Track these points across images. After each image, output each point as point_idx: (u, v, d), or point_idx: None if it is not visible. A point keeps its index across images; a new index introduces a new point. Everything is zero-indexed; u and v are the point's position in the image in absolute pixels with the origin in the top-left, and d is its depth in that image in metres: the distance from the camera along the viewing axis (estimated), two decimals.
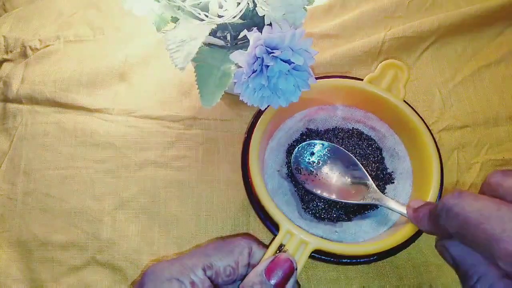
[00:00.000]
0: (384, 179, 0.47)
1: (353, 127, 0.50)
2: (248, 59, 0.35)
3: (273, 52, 0.34)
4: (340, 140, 0.48)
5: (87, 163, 0.52)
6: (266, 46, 0.35)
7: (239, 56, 0.35)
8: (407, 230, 0.39)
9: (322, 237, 0.41)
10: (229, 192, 0.50)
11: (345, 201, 0.43)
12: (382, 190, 0.46)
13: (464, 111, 0.55)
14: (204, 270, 0.33)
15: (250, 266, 0.35)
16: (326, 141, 0.47)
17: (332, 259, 0.39)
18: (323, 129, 0.49)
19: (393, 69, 0.47)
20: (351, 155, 0.45)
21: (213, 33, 0.41)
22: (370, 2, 0.60)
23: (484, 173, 0.51)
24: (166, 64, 0.56)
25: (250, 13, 0.38)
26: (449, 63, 0.58)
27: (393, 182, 0.47)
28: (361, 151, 0.48)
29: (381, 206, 0.43)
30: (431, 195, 0.42)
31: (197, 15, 0.36)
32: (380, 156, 0.48)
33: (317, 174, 0.45)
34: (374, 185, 0.43)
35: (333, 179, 0.45)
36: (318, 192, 0.44)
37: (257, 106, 0.38)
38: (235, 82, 0.36)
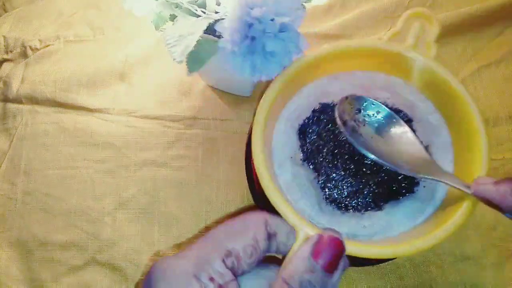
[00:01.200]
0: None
1: (376, 97, 0.40)
2: (231, 24, 0.33)
3: (252, 10, 0.32)
4: (376, 117, 0.39)
5: (87, 163, 0.52)
6: (249, 8, 0.33)
7: (222, 26, 0.34)
8: (454, 222, 0.32)
9: (347, 236, 0.35)
10: (229, 192, 0.50)
11: (393, 166, 0.34)
12: None
13: None
14: (223, 260, 0.28)
15: (271, 237, 0.30)
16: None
17: (360, 263, 0.34)
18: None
19: (419, 20, 0.39)
20: (404, 123, 0.37)
21: (212, 32, 0.41)
22: (370, 2, 0.60)
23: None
24: (166, 64, 0.56)
25: None
26: (449, 63, 0.58)
27: None
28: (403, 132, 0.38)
29: (437, 181, 0.34)
30: (482, 174, 0.34)
31: (194, 11, 0.36)
32: (411, 128, 0.38)
33: (361, 134, 0.36)
34: (429, 156, 0.35)
35: (379, 143, 0.36)
36: (366, 151, 0.35)
37: (251, 78, 0.36)
38: (225, 57, 0.35)
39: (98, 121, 0.54)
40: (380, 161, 0.34)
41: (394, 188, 0.37)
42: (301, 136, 0.40)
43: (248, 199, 0.49)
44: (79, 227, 0.49)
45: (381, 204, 0.37)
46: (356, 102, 0.38)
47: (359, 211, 0.37)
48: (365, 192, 0.38)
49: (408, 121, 0.39)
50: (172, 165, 0.51)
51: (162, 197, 0.50)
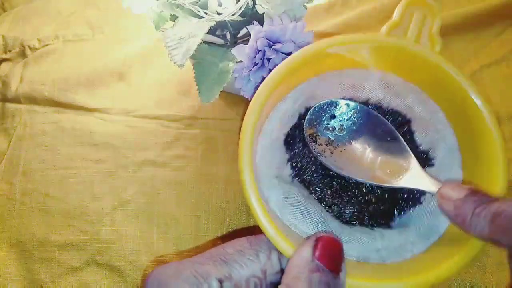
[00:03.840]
0: (418, 161, 0.34)
1: (367, 98, 0.36)
2: (249, 53, 0.34)
3: (274, 45, 0.34)
4: (353, 118, 0.36)
5: (86, 163, 0.51)
6: (267, 39, 0.34)
7: (240, 50, 0.35)
8: (473, 242, 0.28)
9: (358, 259, 0.31)
10: (228, 192, 0.50)
11: (374, 183, 0.32)
12: None
13: None
14: (220, 281, 0.26)
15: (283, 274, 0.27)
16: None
17: None
18: None
19: (420, 10, 0.34)
20: (386, 121, 0.34)
21: (212, 31, 0.41)
22: (371, 2, 0.60)
23: None
24: (166, 64, 0.56)
25: (249, 10, 0.38)
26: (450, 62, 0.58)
27: (433, 165, 0.34)
28: (382, 127, 0.35)
29: (427, 192, 0.31)
30: (499, 185, 0.30)
31: (197, 12, 0.36)
32: (408, 131, 0.36)
33: (338, 145, 0.34)
34: (416, 162, 0.32)
35: (360, 153, 0.34)
36: (338, 169, 0.33)
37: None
38: (236, 78, 0.36)
39: (97, 121, 0.53)
40: (356, 178, 0.32)
41: (398, 200, 0.34)
42: (288, 148, 0.35)
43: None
44: (78, 227, 0.49)
45: (389, 220, 0.34)
46: (328, 107, 0.35)
47: (366, 226, 0.33)
48: (370, 206, 0.34)
49: (407, 122, 0.36)
50: (171, 165, 0.51)
51: (161, 197, 0.50)
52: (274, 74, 0.32)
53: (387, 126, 0.33)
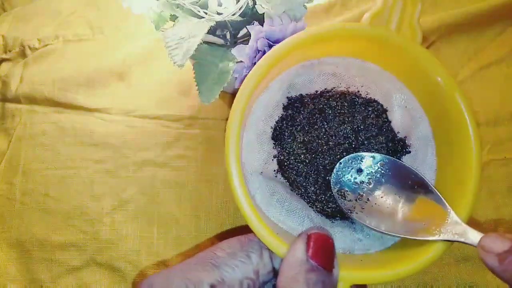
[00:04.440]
0: (396, 149, 0.36)
1: (347, 87, 0.37)
2: (249, 53, 0.34)
3: (274, 45, 0.34)
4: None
5: (86, 163, 0.51)
6: (267, 39, 0.34)
7: (240, 51, 0.35)
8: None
9: (343, 251, 0.32)
10: (228, 192, 0.50)
11: (412, 238, 0.30)
12: None
13: None
14: (212, 286, 0.26)
15: (276, 272, 0.28)
16: (317, 115, 0.35)
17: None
18: (308, 94, 0.37)
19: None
20: (416, 171, 0.33)
21: (212, 31, 0.41)
22: (370, 2, 0.60)
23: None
24: (166, 64, 0.56)
25: (249, 10, 0.38)
26: (449, 62, 0.58)
27: (409, 152, 0.36)
28: (358, 116, 0.36)
29: (467, 244, 0.29)
30: (473, 172, 0.31)
31: (197, 12, 0.36)
32: (386, 119, 0.36)
33: (368, 199, 0.33)
34: (453, 213, 0.30)
35: (391, 206, 0.32)
36: (373, 226, 0.31)
37: None
38: (236, 78, 0.36)
39: (97, 121, 0.53)
40: (396, 235, 0.31)
41: None
42: (275, 143, 0.36)
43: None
44: (78, 227, 0.49)
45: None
46: (354, 161, 0.34)
47: (347, 219, 0.34)
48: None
49: (384, 112, 0.36)
50: (171, 165, 0.51)
51: (161, 197, 0.50)
52: (256, 69, 0.32)
53: (417, 177, 0.32)
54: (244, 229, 0.29)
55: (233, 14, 0.36)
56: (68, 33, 0.59)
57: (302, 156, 0.35)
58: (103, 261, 0.47)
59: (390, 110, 0.36)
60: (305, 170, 0.35)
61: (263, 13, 0.37)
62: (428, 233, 0.30)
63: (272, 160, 0.35)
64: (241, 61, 0.37)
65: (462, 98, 0.32)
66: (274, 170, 0.35)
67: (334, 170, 0.34)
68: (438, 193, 0.31)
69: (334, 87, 0.37)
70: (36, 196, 0.50)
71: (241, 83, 0.31)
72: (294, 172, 0.35)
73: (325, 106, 0.36)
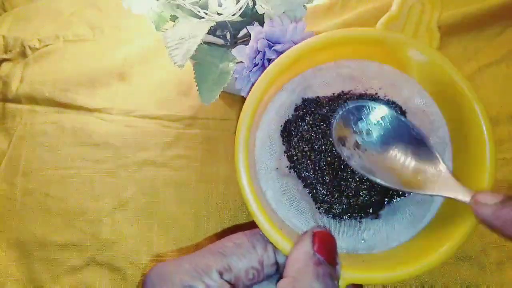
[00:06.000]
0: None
1: (365, 89, 0.36)
2: (249, 53, 0.34)
3: (274, 46, 0.34)
4: (381, 122, 0.35)
5: (86, 163, 0.51)
6: (267, 40, 0.34)
7: (240, 51, 0.35)
8: (461, 232, 0.30)
9: (347, 251, 0.33)
10: (228, 192, 0.50)
11: (404, 189, 0.32)
12: None
13: None
14: (220, 273, 0.27)
15: (279, 266, 0.29)
16: (331, 112, 0.35)
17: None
18: (324, 96, 0.36)
19: (419, 2, 0.34)
20: (416, 127, 0.33)
21: (212, 32, 0.41)
22: (371, 1, 0.60)
23: None
24: (166, 64, 0.56)
25: (249, 11, 0.38)
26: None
27: None
28: (410, 132, 0.34)
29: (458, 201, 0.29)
30: (487, 174, 0.31)
31: (197, 12, 0.36)
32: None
33: (366, 149, 0.33)
34: (447, 170, 0.31)
35: (388, 157, 0.33)
36: (368, 173, 0.32)
37: None
38: (236, 78, 0.36)
39: (98, 121, 0.54)
40: (390, 186, 0.32)
41: (388, 191, 0.34)
42: (285, 139, 0.36)
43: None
44: (78, 227, 0.49)
45: (378, 210, 0.34)
46: (356, 111, 0.34)
47: (355, 218, 0.34)
48: (358, 199, 0.34)
49: (402, 114, 0.36)
50: (171, 165, 0.51)
51: (161, 197, 0.50)
52: (267, 73, 0.32)
53: (417, 132, 0.33)
54: (244, 228, 0.30)
55: (233, 15, 0.37)
56: (68, 33, 0.59)
57: (309, 153, 0.35)
58: (103, 261, 0.47)
59: (409, 112, 0.36)
60: (312, 167, 0.35)
61: (263, 14, 0.37)
62: (422, 188, 0.31)
63: (284, 155, 0.35)
64: (241, 62, 0.37)
65: (479, 106, 0.32)
66: (287, 166, 0.35)
67: (336, 117, 0.34)
68: (435, 151, 0.32)
69: (351, 90, 0.37)
70: (37, 196, 0.50)
71: (241, 84, 0.31)
72: (303, 167, 0.35)
73: (340, 106, 0.35)
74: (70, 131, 0.53)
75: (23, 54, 0.58)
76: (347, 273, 0.29)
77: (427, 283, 0.46)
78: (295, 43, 0.33)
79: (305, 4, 0.37)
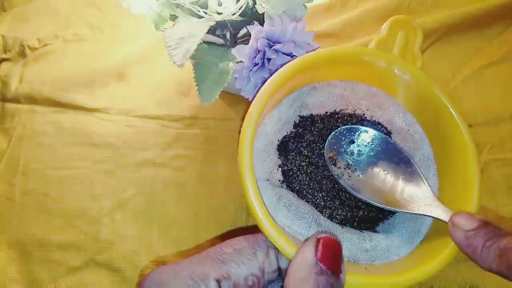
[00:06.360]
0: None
1: (354, 110, 0.38)
2: (249, 53, 0.34)
3: (274, 45, 0.34)
4: (371, 145, 0.37)
5: (86, 163, 0.51)
6: (267, 39, 0.34)
7: (240, 51, 0.35)
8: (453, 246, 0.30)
9: (348, 259, 0.32)
10: (228, 192, 0.50)
11: (389, 208, 0.33)
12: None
13: (466, 111, 0.55)
14: (218, 281, 0.26)
15: (281, 271, 0.29)
16: (325, 134, 0.36)
17: None
18: (318, 114, 0.38)
19: (404, 28, 0.37)
20: (403, 149, 0.35)
21: (212, 31, 0.41)
22: (371, 1, 0.60)
23: (487, 173, 0.51)
24: (165, 64, 0.56)
25: (249, 10, 0.38)
26: (450, 62, 0.58)
27: None
28: (398, 155, 0.36)
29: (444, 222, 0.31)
30: (474, 192, 0.32)
31: (196, 12, 0.36)
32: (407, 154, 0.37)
33: (355, 169, 0.35)
34: (429, 191, 0.33)
35: (376, 178, 0.35)
36: (356, 192, 0.34)
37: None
38: (236, 78, 0.36)
39: (97, 121, 0.53)
40: (375, 203, 0.33)
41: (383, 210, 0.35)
42: (281, 153, 0.36)
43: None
44: (78, 227, 0.48)
45: (374, 225, 0.36)
46: (348, 133, 0.36)
47: (356, 228, 0.35)
48: (359, 212, 0.35)
49: (388, 134, 0.38)
50: (171, 165, 0.51)
51: (161, 197, 0.50)
52: (275, 78, 0.33)
53: (403, 154, 0.35)
54: (245, 230, 0.29)
55: (233, 14, 0.36)
56: (67, 33, 0.59)
57: (305, 168, 0.35)
58: (103, 261, 0.47)
59: (393, 133, 0.38)
60: (308, 180, 0.35)
61: (263, 13, 0.37)
62: (407, 207, 0.32)
63: (277, 169, 0.36)
64: (241, 61, 0.37)
65: (463, 124, 0.34)
66: (279, 180, 0.35)
67: (329, 137, 0.36)
68: (420, 172, 0.33)
69: (342, 109, 0.38)
70: (36, 196, 0.50)
71: (241, 83, 0.31)
72: (298, 182, 0.35)
73: (333, 127, 0.37)
74: (69, 131, 0.53)
75: (23, 54, 0.58)
76: (351, 278, 0.29)
77: (427, 283, 0.46)
78: (295, 43, 0.33)
79: (305, 4, 0.37)
